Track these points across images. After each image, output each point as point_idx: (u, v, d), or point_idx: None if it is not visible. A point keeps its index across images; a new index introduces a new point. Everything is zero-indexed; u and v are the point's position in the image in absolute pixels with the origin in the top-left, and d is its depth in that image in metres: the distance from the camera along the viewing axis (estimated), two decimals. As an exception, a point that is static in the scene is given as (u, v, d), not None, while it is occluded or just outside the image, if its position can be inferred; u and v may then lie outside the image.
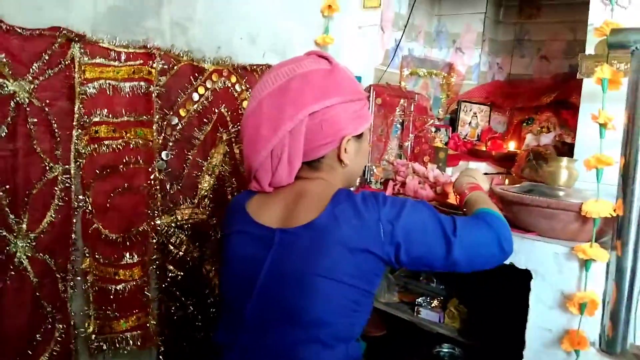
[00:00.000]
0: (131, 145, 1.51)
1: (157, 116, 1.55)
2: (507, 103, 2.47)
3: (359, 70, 2.09)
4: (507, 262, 1.27)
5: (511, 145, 2.26)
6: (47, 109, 1.35)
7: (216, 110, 1.71)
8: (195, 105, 1.66)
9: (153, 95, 1.53)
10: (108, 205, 1.49)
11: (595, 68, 1.25)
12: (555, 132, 2.15)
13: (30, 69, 1.30)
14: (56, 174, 1.38)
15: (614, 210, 1.18)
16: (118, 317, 1.53)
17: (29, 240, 1.34)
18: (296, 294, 1.01)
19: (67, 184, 1.41)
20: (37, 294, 1.37)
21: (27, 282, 1.35)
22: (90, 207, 1.46)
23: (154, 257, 1.60)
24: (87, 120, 1.42)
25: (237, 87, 1.76)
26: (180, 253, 1.66)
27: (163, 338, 1.66)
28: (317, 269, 1.00)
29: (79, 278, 1.47)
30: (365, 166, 1.83)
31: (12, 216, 1.30)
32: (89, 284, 1.48)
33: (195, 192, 1.71)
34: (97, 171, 1.46)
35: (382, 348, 1.83)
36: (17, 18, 1.27)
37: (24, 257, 1.33)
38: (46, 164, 1.36)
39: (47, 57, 1.32)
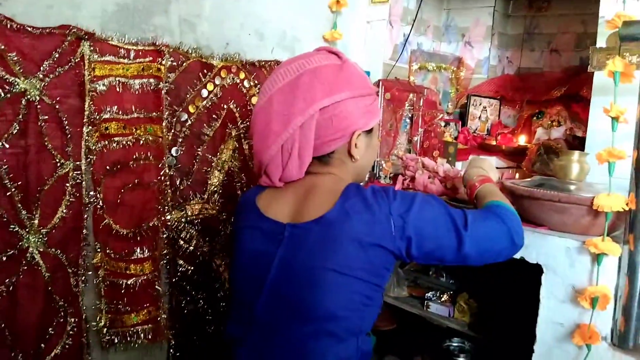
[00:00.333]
0: (141, 142, 1.52)
1: (167, 113, 1.55)
2: (517, 97, 2.45)
3: (367, 65, 2.09)
4: (517, 256, 1.27)
5: (521, 140, 2.25)
6: (57, 107, 1.36)
7: (225, 107, 1.71)
8: (204, 102, 1.66)
9: (162, 92, 1.53)
10: (119, 201, 1.50)
11: (607, 61, 1.24)
12: (565, 126, 2.14)
13: (41, 67, 1.31)
14: (67, 170, 1.39)
15: (627, 204, 1.17)
16: (129, 311, 1.54)
17: (41, 236, 1.35)
18: (307, 289, 1.01)
19: (78, 180, 1.42)
20: (50, 288, 1.38)
21: (40, 277, 1.36)
22: (101, 203, 1.47)
23: (165, 251, 1.61)
24: (98, 117, 1.43)
25: (245, 83, 1.76)
26: (191, 248, 1.67)
27: (174, 332, 1.67)
28: (327, 263, 1.00)
29: (90, 273, 1.48)
30: (374, 161, 1.82)
31: (24, 212, 1.31)
32: (100, 279, 1.49)
33: (205, 188, 1.71)
34: (108, 167, 1.47)
35: (391, 342, 1.83)
36: (27, 17, 1.28)
37: (36, 252, 1.35)
38: (57, 160, 1.37)
39: (57, 55, 1.33)
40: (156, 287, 1.59)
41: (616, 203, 1.18)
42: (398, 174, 1.83)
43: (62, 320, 1.42)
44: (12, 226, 1.30)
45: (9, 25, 1.24)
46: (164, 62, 1.52)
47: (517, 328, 1.47)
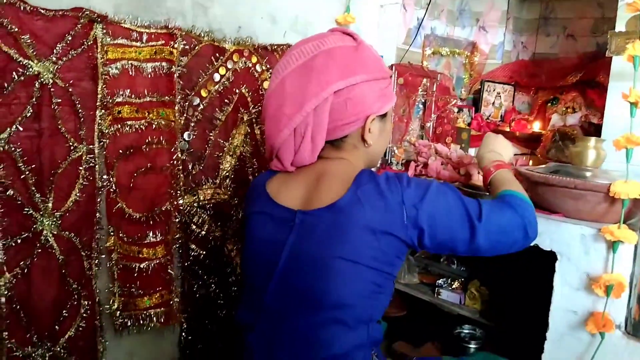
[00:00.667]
0: (154, 126, 1.52)
1: (179, 97, 1.55)
2: (531, 83, 2.43)
3: (380, 49, 2.06)
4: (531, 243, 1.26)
5: (535, 126, 2.23)
6: (70, 90, 1.35)
7: (237, 91, 1.70)
8: (217, 86, 1.65)
9: (175, 75, 1.53)
10: (131, 184, 1.50)
11: (627, 45, 1.22)
12: (581, 112, 2.11)
13: (54, 50, 1.31)
14: (80, 153, 1.40)
15: (644, 191, 1.16)
16: (142, 294, 1.56)
17: (55, 219, 1.36)
18: (317, 277, 1.00)
19: (91, 164, 1.42)
20: (63, 271, 1.39)
21: (54, 260, 1.37)
22: (114, 187, 1.47)
23: (177, 236, 1.61)
24: (110, 101, 1.43)
25: (257, 67, 1.75)
26: (203, 232, 1.68)
27: (186, 316, 1.68)
28: (338, 251, 0.99)
29: (103, 256, 1.49)
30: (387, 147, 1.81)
31: (38, 195, 1.32)
32: (113, 262, 1.50)
33: (217, 173, 1.71)
34: (121, 151, 1.47)
35: (402, 328, 1.83)
36: (40, -1, 1.27)
37: (50, 235, 1.36)
38: (70, 143, 1.37)
39: (70, 38, 1.33)
40: (169, 270, 1.60)
41: (633, 190, 1.16)
42: (410, 160, 1.81)
43: (75, 302, 1.43)
44: (26, 209, 1.30)
45: (22, 8, 1.24)
46: (176, 46, 1.52)
47: (529, 315, 1.46)
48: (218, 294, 1.75)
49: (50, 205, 1.35)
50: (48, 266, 1.37)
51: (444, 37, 2.48)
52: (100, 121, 1.42)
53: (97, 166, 1.43)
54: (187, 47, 1.56)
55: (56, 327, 1.40)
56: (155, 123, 1.52)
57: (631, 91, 1.17)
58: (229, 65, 1.67)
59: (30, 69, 1.27)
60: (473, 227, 1.02)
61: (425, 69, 2.19)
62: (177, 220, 1.60)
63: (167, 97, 1.53)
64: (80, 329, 1.45)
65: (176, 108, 1.55)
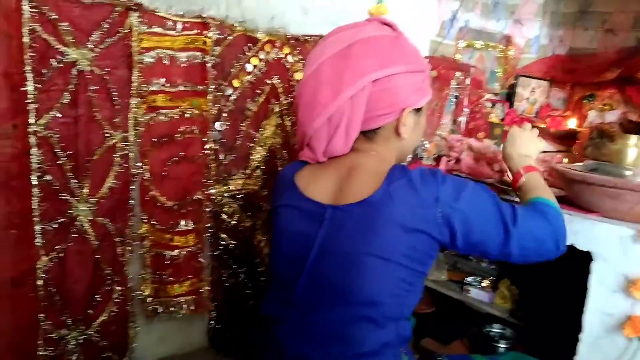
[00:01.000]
0: (187, 115, 1.53)
1: (212, 86, 1.55)
2: (567, 78, 2.36)
3: (413, 41, 2.03)
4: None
5: (571, 123, 2.16)
6: (106, 77, 1.37)
7: (268, 82, 1.70)
8: (249, 77, 1.65)
9: (208, 65, 1.53)
10: (164, 173, 1.52)
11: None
12: (619, 110, 2.05)
13: (90, 38, 1.33)
14: (115, 141, 1.41)
15: (688, 192, 1.12)
16: (173, 281, 1.58)
17: (90, 205, 1.39)
18: (347, 274, 0.98)
19: (125, 151, 1.44)
20: (97, 256, 1.42)
21: (88, 245, 1.40)
22: (147, 175, 1.49)
23: (208, 225, 1.63)
24: (145, 89, 1.44)
25: (289, 58, 1.74)
26: (233, 222, 1.69)
27: (215, 304, 1.70)
28: (369, 248, 0.97)
29: (136, 243, 1.51)
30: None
31: (74, 181, 1.35)
32: (145, 249, 1.53)
33: (248, 163, 1.72)
34: (154, 139, 1.49)
35: (430, 325, 1.82)
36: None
37: (85, 220, 1.38)
38: (106, 131, 1.39)
39: (106, 26, 1.35)
40: (199, 259, 1.61)
41: (677, 190, 1.12)
42: (442, 155, 1.79)
43: (108, 288, 1.46)
44: (62, 194, 1.33)
45: (61, -5, 1.26)
46: (210, 35, 1.52)
47: (561, 316, 1.43)
48: (247, 284, 1.76)
49: (85, 191, 1.37)
50: (82, 251, 1.39)
51: (478, 30, 2.43)
52: (135, 109, 1.44)
53: (131, 154, 1.45)
54: (220, 36, 1.56)
55: (89, 311, 1.43)
56: (189, 112, 1.53)
57: (677, 88, 1.12)
58: (262, 56, 1.67)
59: (68, 56, 1.30)
60: (507, 232, 0.99)
61: (459, 62, 2.15)
62: (208, 209, 1.61)
63: (200, 87, 1.54)
64: (113, 313, 1.48)
65: (209, 98, 1.55)
